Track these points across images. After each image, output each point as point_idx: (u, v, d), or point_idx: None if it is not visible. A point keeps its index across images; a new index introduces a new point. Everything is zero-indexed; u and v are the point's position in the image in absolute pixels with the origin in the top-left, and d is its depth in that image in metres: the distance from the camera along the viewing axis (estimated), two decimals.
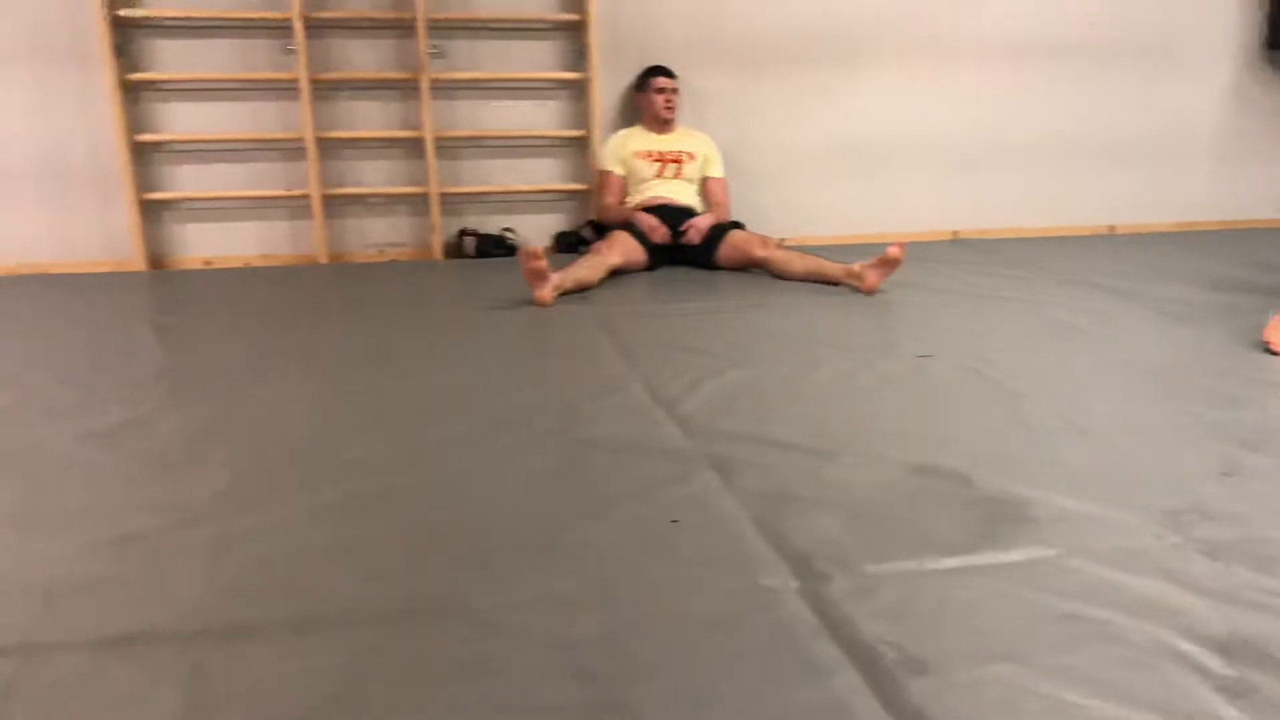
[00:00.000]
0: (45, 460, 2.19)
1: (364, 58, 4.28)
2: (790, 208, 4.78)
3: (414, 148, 4.39)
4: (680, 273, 4.12)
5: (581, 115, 4.56)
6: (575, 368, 2.85)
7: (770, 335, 3.16)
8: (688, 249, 4.16)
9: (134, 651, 1.48)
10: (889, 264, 3.65)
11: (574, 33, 4.46)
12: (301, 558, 1.76)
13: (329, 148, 4.29)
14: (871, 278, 3.68)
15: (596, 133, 4.50)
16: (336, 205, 4.37)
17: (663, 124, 4.44)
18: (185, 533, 1.85)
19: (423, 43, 4.23)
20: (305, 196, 4.27)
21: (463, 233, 4.50)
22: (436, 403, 2.56)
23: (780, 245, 4.14)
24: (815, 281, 3.87)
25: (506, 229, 4.55)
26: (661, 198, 4.31)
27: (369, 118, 4.34)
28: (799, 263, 3.97)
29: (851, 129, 4.81)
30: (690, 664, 1.41)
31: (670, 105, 4.42)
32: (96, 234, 4.17)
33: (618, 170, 4.40)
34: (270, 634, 1.53)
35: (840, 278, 3.81)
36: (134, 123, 4.08)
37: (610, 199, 4.39)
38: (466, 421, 2.41)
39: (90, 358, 2.97)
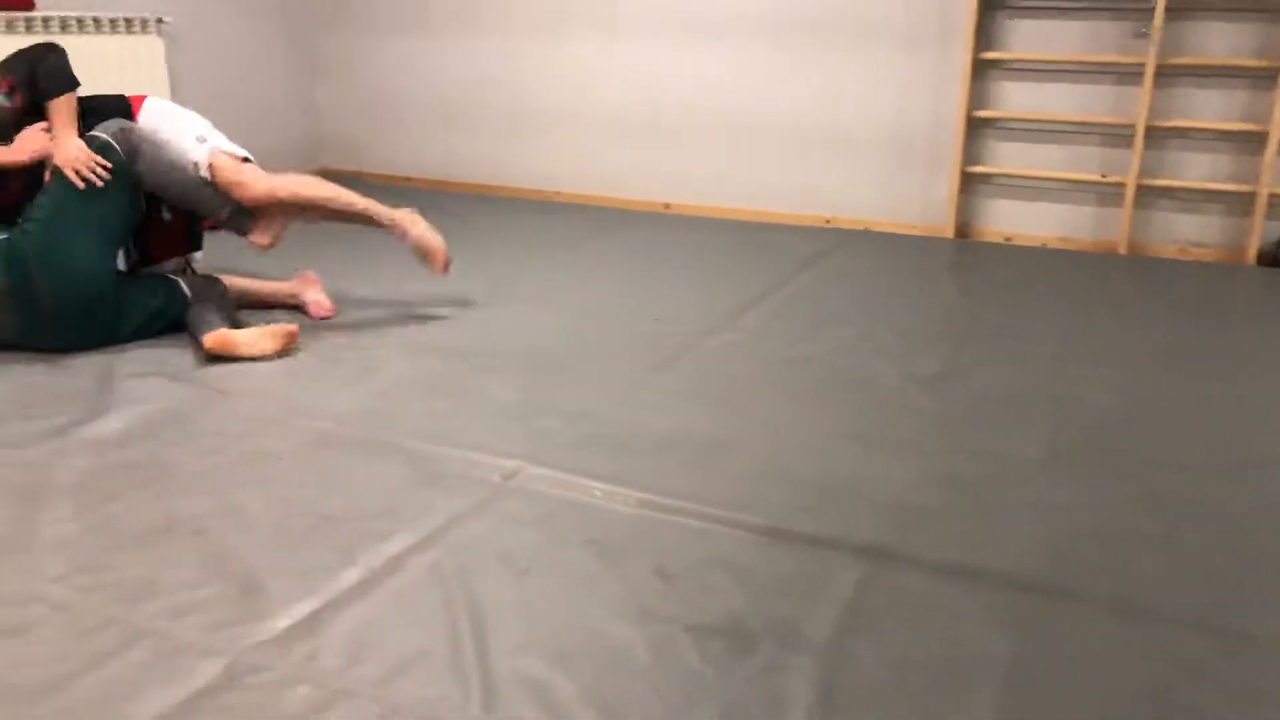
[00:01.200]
0: (879, 393, 2.55)
1: (1220, 43, 4.00)
2: None
3: (1249, 142, 4.02)
4: None
5: None
6: None
7: None
8: None
9: (966, 584, 1.68)
10: None
11: None
12: (1120, 541, 1.81)
13: (1155, 136, 4.13)
14: None
15: None
16: (1148, 196, 4.21)
17: None
18: (1007, 486, 2.02)
19: None
20: (1119, 184, 4.19)
21: None
22: (1251, 417, 2.39)
23: None
24: None
25: None
26: None
27: (1206, 107, 4.08)
28: None
29: None
30: None
31: None
32: (918, 200, 4.60)
33: None
34: (1091, 607, 1.61)
35: None
36: (975, 99, 4.37)
37: None
38: None
39: (909, 309, 3.32)
